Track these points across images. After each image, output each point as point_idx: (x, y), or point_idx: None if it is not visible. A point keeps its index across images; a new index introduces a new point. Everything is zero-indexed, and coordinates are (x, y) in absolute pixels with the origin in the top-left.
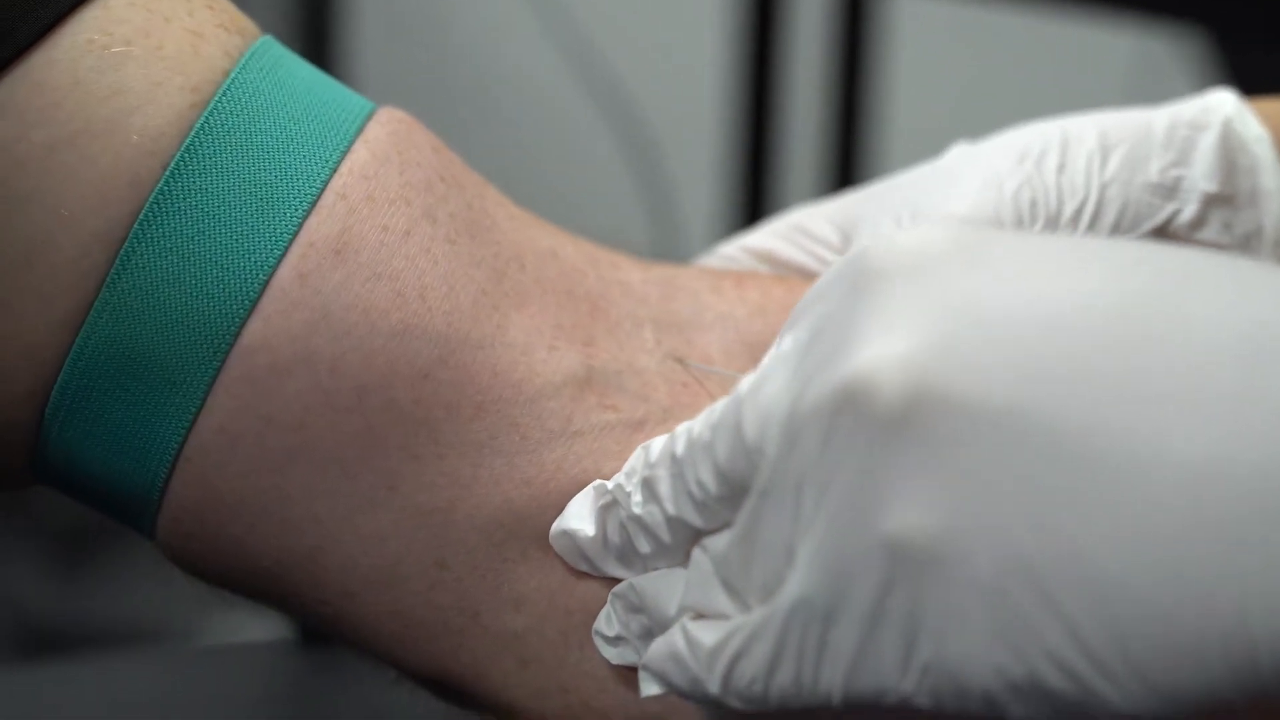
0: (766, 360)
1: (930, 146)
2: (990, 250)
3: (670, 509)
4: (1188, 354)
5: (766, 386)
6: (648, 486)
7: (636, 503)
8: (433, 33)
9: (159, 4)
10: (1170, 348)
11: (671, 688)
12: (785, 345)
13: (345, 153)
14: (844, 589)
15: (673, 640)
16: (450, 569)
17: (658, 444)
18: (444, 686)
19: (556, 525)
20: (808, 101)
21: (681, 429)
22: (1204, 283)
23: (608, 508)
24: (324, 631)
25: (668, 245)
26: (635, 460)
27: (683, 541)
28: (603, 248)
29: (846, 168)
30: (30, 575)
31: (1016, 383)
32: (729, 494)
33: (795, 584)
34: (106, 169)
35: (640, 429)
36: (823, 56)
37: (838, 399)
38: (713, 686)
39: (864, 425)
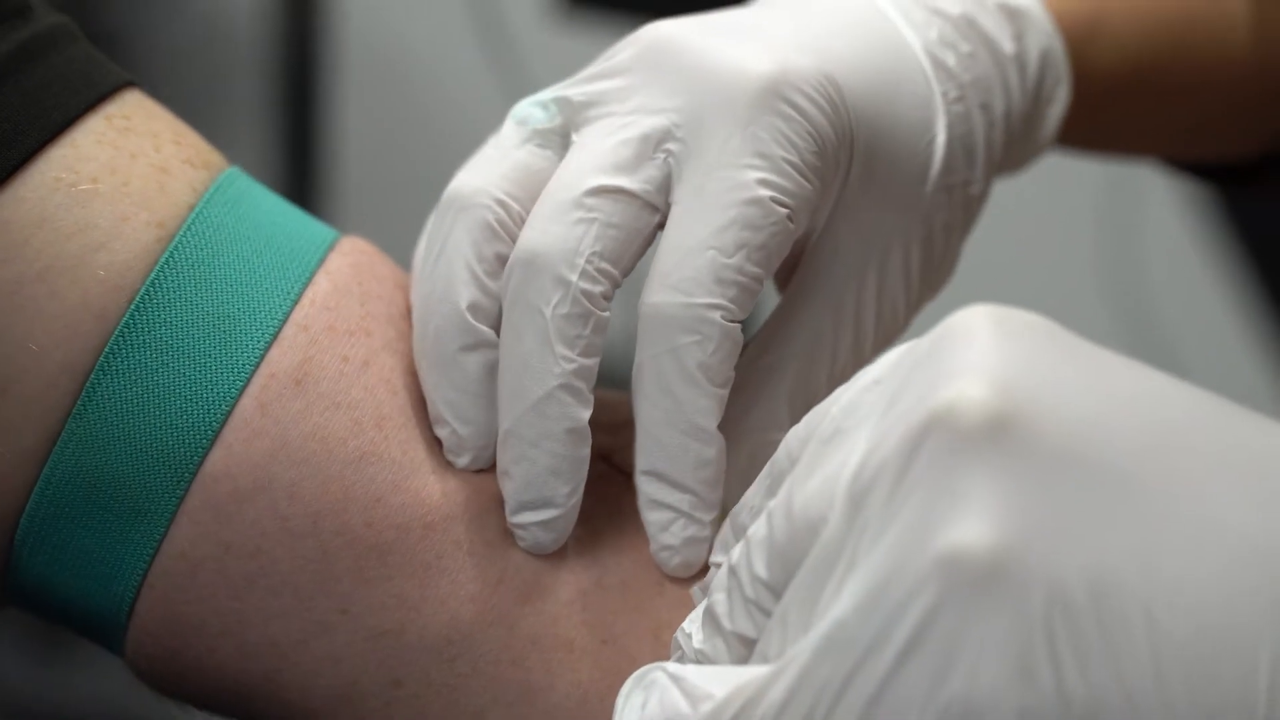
0: (802, 447)
1: None
2: (1061, 331)
3: (727, 625)
4: (1247, 460)
5: (826, 458)
6: (708, 617)
7: (699, 639)
8: (415, 126)
9: (126, 141)
10: (1230, 447)
11: None
12: (842, 420)
13: (307, 283)
14: (888, 614)
15: (670, 703)
16: (405, 686)
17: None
18: None
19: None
20: None
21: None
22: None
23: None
24: None
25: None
26: (700, 605)
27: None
28: None
29: None
30: (9, 654)
31: (1101, 421)
32: (784, 577)
33: (834, 613)
34: (74, 304)
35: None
36: None
37: (920, 429)
38: None
39: (945, 445)
